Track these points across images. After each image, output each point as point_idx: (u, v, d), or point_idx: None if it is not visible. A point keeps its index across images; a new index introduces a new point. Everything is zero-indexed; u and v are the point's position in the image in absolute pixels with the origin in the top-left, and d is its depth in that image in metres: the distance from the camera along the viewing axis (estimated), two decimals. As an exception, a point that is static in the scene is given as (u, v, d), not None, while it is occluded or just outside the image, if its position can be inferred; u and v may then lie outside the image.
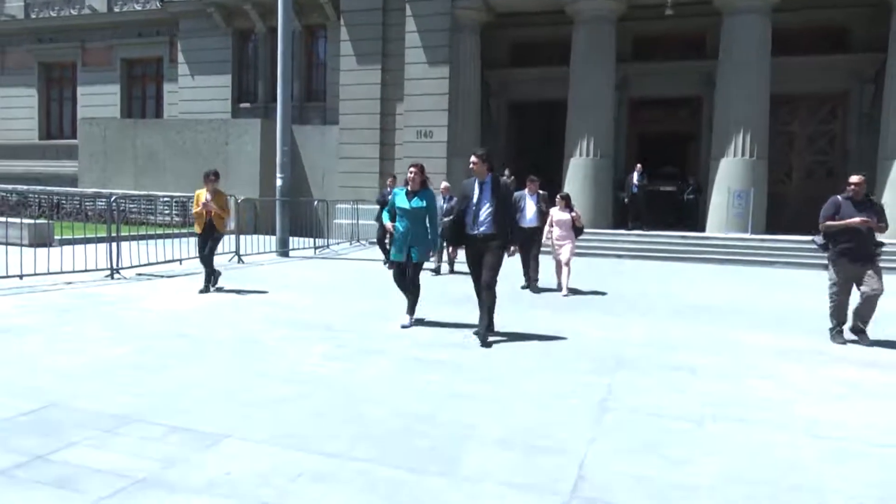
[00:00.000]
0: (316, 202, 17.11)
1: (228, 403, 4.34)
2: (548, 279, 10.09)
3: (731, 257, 14.74)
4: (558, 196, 10.19)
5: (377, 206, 11.46)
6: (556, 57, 18.29)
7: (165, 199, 17.70)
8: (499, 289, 6.56)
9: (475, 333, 6.36)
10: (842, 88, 18.11)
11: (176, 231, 13.57)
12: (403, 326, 6.84)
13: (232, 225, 11.73)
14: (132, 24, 24.03)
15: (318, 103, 21.41)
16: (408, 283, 7.00)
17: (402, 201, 6.87)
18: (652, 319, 7.85)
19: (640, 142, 20.23)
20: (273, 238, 14.57)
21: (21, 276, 9.00)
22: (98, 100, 24.72)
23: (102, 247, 10.30)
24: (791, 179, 18.94)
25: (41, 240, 12.61)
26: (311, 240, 15.38)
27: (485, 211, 6.41)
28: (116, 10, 24.19)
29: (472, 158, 6.47)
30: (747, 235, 15.60)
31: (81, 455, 3.43)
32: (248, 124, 19.98)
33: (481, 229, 6.41)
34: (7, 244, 10.77)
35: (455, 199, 8.50)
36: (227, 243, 13.05)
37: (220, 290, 9.09)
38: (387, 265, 11.04)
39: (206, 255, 9.01)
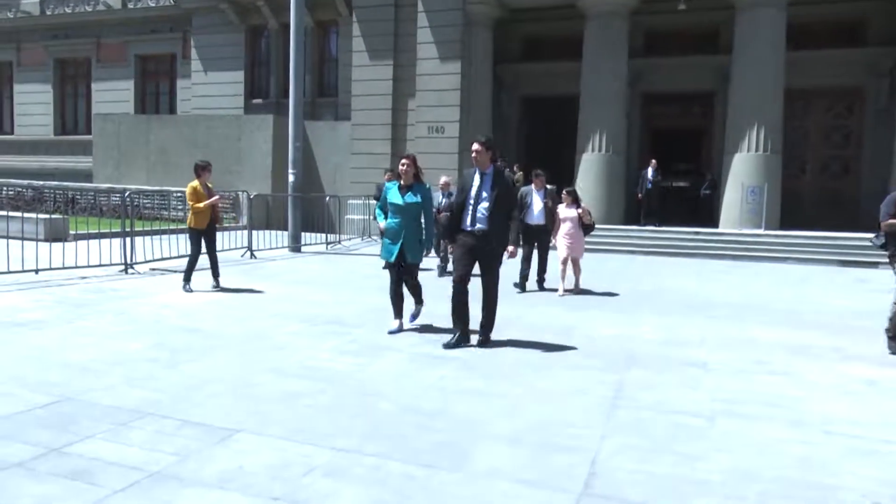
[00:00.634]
0: (328, 198, 17.14)
1: (241, 398, 4.37)
2: (553, 280, 9.90)
3: (744, 253, 14.63)
4: (564, 191, 9.67)
5: (376, 204, 11.12)
6: (569, 52, 18.17)
7: (178, 194, 17.78)
8: (506, 287, 6.23)
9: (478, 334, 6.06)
10: (857, 83, 17.88)
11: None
12: (399, 331, 6.44)
13: (244, 220, 11.75)
14: (146, 21, 24.18)
15: (330, 99, 21.43)
16: (403, 288, 6.49)
17: (394, 196, 6.35)
18: (664, 316, 7.80)
19: (652, 137, 20.09)
20: (285, 234, 14.61)
21: (37, 271, 9.16)
22: (112, 96, 24.90)
23: (116, 241, 10.40)
24: (806, 174, 18.76)
25: (56, 234, 12.76)
26: (323, 235, 15.44)
27: (483, 205, 5.81)
28: (130, 6, 24.33)
29: (475, 146, 5.86)
30: (761, 231, 15.46)
31: (96, 448, 3.47)
32: (260, 120, 20.03)
33: (477, 225, 5.83)
34: (23, 238, 10.90)
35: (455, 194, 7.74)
36: (238, 239, 13.17)
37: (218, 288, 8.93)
38: (384, 266, 10.79)
39: (213, 249, 8.84)
